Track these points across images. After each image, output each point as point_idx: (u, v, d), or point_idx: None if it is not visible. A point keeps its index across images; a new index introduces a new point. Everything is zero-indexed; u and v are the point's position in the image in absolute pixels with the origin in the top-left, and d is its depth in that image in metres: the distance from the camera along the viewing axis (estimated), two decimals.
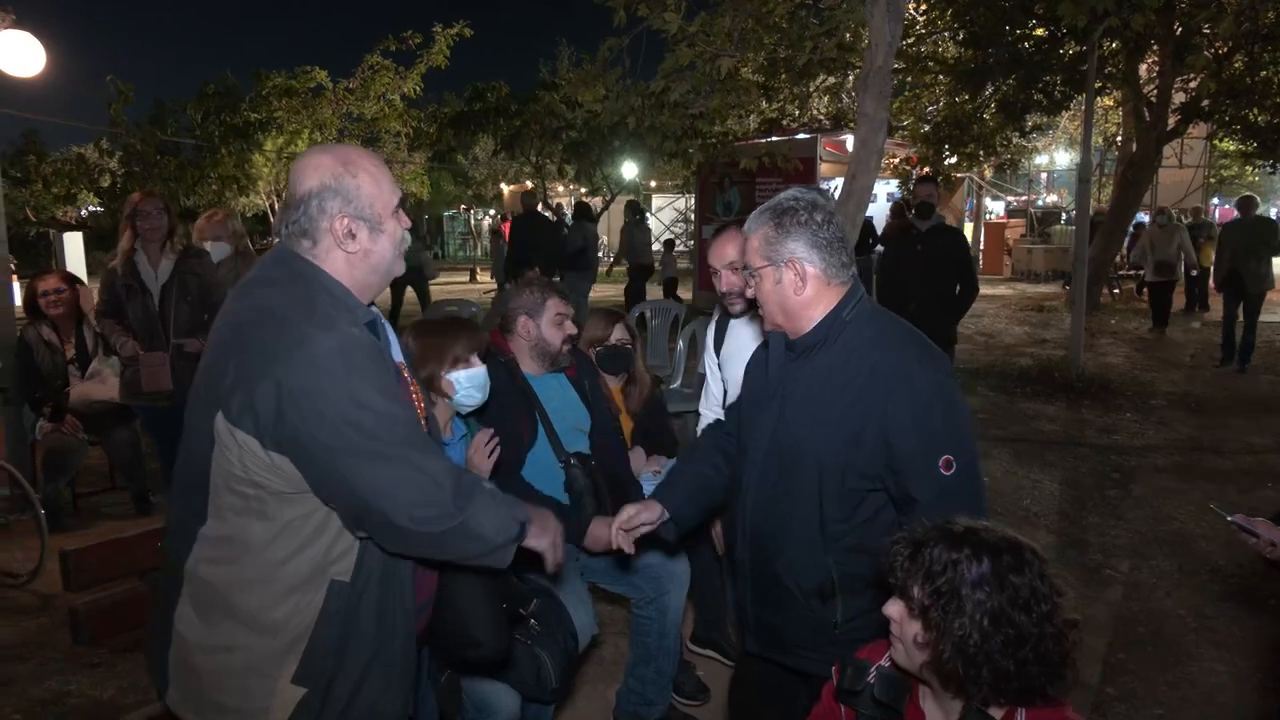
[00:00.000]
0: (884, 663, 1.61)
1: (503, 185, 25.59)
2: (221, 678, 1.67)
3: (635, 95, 6.45)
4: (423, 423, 1.92)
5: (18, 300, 5.92)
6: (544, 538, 1.86)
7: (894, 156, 13.50)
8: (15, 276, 8.85)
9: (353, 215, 1.71)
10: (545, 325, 2.95)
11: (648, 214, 23.17)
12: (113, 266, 4.60)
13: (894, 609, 1.47)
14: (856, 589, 1.98)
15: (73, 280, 5.28)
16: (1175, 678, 3.66)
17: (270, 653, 1.65)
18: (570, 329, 2.99)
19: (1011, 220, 24.62)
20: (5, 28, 5.11)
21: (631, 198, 13.26)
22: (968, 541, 1.43)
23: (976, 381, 9.02)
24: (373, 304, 1.89)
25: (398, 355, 1.93)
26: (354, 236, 1.72)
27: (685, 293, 14.89)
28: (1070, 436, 7.23)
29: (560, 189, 23.18)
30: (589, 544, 2.87)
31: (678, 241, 18.66)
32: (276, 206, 13.21)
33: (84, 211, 19.82)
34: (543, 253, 10.35)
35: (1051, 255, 19.79)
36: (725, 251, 2.84)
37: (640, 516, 2.23)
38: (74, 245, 13.25)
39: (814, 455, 1.96)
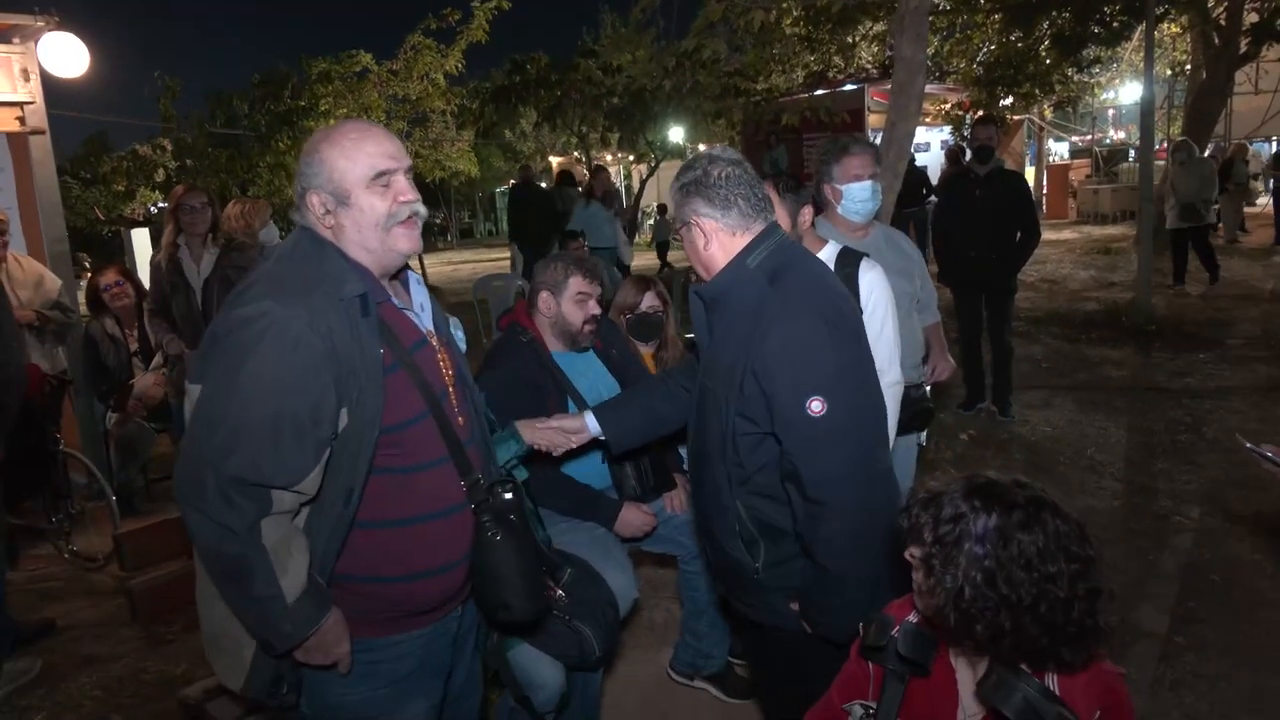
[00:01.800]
0: (911, 618, 1.57)
1: (551, 158, 25.59)
2: (210, 610, 1.80)
3: (669, 56, 6.35)
4: (450, 390, 1.93)
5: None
6: (323, 656, 1.77)
7: (945, 102, 13.07)
8: (89, 273, 9.17)
9: (320, 190, 1.76)
10: (566, 303, 2.88)
11: None
12: (157, 261, 4.69)
13: (908, 553, 1.44)
14: (774, 535, 2.03)
15: (130, 274, 5.42)
16: (1250, 626, 3.52)
17: None
18: (593, 309, 2.91)
19: (1076, 161, 23.66)
20: (50, 30, 5.24)
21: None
22: (982, 493, 1.38)
23: (1039, 329, 8.75)
24: (404, 272, 1.95)
25: (426, 323, 1.95)
26: (329, 211, 1.77)
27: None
28: (1139, 382, 6.97)
29: (608, 157, 23.06)
30: (619, 529, 2.87)
31: None
32: None
33: (153, 208, 20.46)
34: (535, 221, 10.77)
35: (1119, 195, 18.95)
36: None
37: (565, 422, 2.46)
38: (141, 241, 13.67)
39: (716, 401, 2.03)
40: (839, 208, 3.15)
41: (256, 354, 1.62)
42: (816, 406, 1.85)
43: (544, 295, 2.91)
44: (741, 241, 2.03)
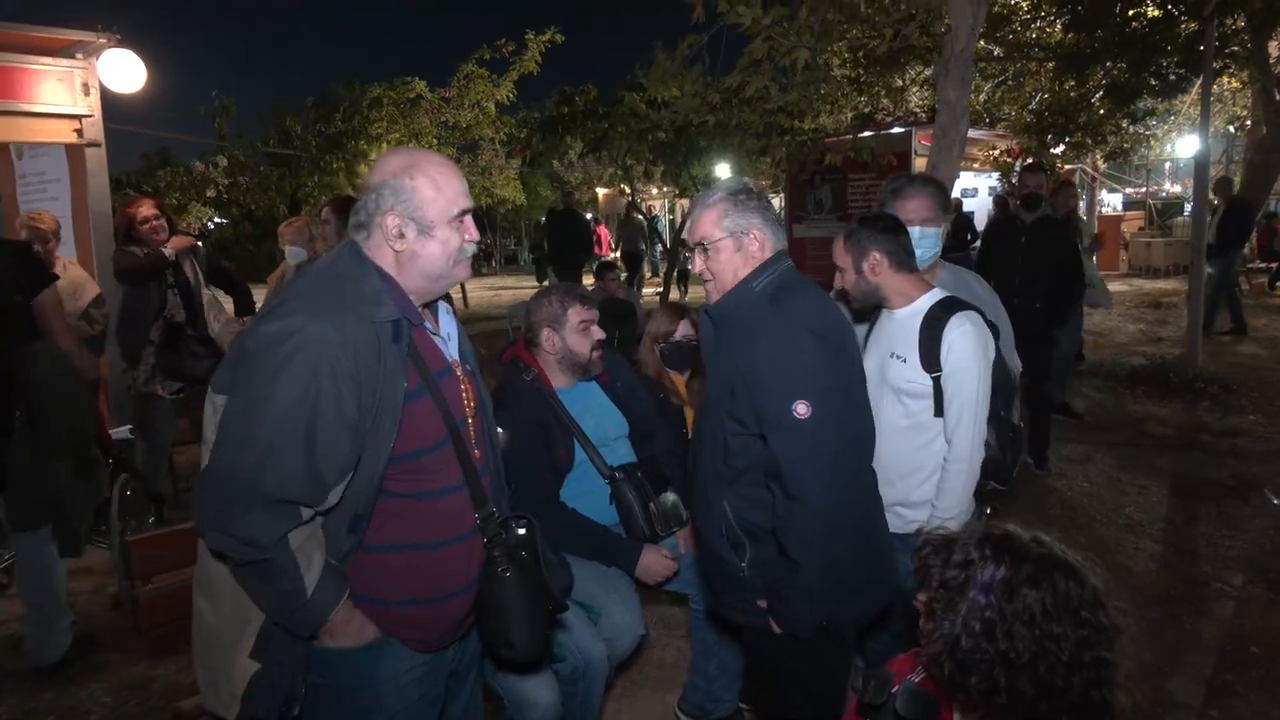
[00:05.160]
0: (913, 676, 1.50)
1: (598, 189, 25.77)
2: (201, 637, 1.83)
3: (714, 92, 6.35)
4: (470, 420, 1.93)
5: None
6: (354, 638, 1.81)
7: (994, 148, 12.93)
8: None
9: (403, 215, 1.78)
10: (570, 335, 2.83)
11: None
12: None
13: (916, 599, 1.39)
14: (755, 535, 2.16)
15: (164, 208, 4.94)
16: None
17: (227, 624, 1.76)
18: (598, 334, 2.86)
19: (1129, 213, 23.25)
20: (110, 46, 5.43)
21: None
22: (996, 544, 1.33)
23: (1082, 382, 8.53)
24: (440, 302, 1.97)
25: (451, 353, 1.95)
26: (403, 236, 1.79)
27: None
28: (1184, 440, 6.74)
29: (654, 191, 23.16)
30: (641, 575, 2.80)
31: None
32: None
33: (210, 224, 20.95)
34: (571, 246, 11.86)
35: (1173, 249, 18.55)
36: (832, 252, 2.67)
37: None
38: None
39: (714, 408, 2.19)
40: None
41: (286, 372, 1.62)
42: (801, 409, 2.00)
43: (546, 332, 2.84)
44: (750, 266, 2.20)
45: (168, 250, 4.75)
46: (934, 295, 2.58)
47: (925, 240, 2.88)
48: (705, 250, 2.24)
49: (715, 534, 2.22)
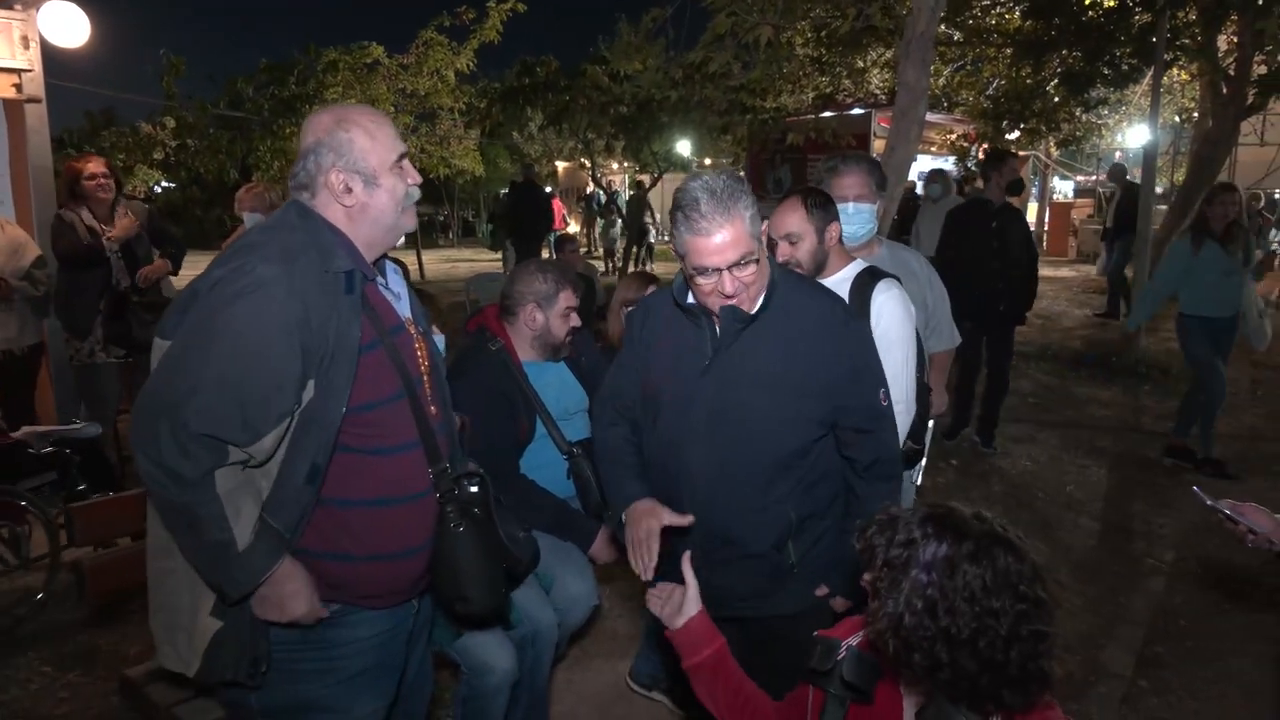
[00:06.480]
0: (854, 641, 1.53)
1: (557, 162, 25.58)
2: (160, 596, 1.79)
3: (676, 67, 6.34)
4: (425, 378, 1.94)
5: None
6: (278, 612, 1.75)
7: (951, 132, 13.11)
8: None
9: (346, 169, 1.79)
10: (554, 317, 2.82)
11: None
12: None
13: (863, 579, 1.41)
14: (805, 524, 2.14)
15: (112, 168, 4.90)
16: (1215, 673, 3.50)
17: (189, 581, 1.73)
18: (576, 321, 2.86)
19: (1079, 200, 23.71)
20: None
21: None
22: (937, 521, 1.35)
23: (1029, 364, 8.73)
24: (382, 260, 1.96)
25: (405, 311, 1.96)
26: (350, 190, 1.80)
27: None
28: (1124, 422, 6.96)
29: (614, 166, 23.06)
30: (595, 555, 2.80)
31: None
32: None
33: (158, 187, 20.33)
34: (530, 220, 12.07)
35: None
36: (783, 222, 2.66)
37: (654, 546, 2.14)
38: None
39: (765, 412, 2.04)
40: None
41: (231, 310, 1.63)
42: (885, 396, 2.13)
43: (530, 308, 2.82)
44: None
45: (109, 240, 4.70)
46: (859, 264, 2.74)
47: (860, 216, 2.94)
48: (744, 266, 1.97)
49: (758, 542, 2.12)
